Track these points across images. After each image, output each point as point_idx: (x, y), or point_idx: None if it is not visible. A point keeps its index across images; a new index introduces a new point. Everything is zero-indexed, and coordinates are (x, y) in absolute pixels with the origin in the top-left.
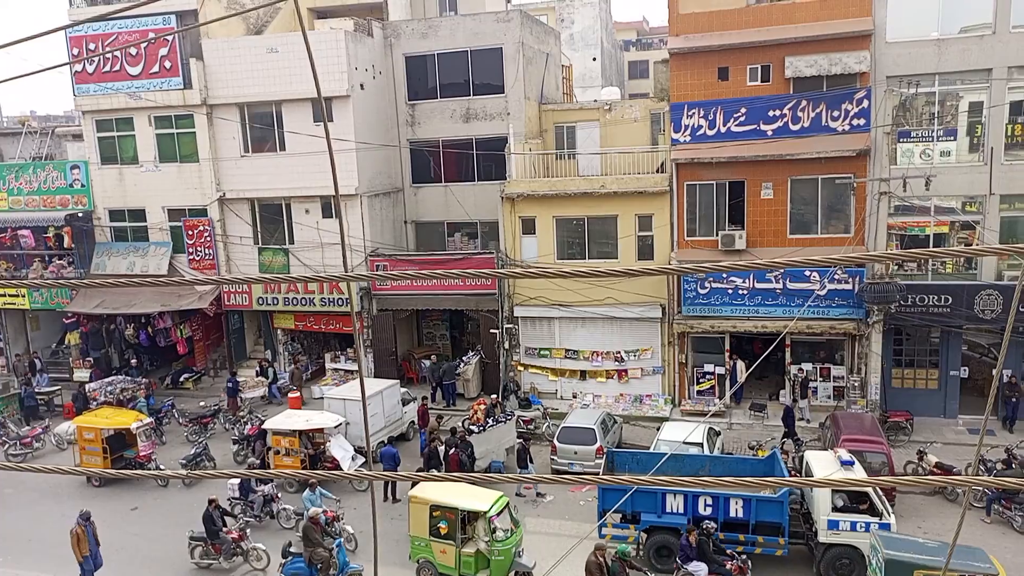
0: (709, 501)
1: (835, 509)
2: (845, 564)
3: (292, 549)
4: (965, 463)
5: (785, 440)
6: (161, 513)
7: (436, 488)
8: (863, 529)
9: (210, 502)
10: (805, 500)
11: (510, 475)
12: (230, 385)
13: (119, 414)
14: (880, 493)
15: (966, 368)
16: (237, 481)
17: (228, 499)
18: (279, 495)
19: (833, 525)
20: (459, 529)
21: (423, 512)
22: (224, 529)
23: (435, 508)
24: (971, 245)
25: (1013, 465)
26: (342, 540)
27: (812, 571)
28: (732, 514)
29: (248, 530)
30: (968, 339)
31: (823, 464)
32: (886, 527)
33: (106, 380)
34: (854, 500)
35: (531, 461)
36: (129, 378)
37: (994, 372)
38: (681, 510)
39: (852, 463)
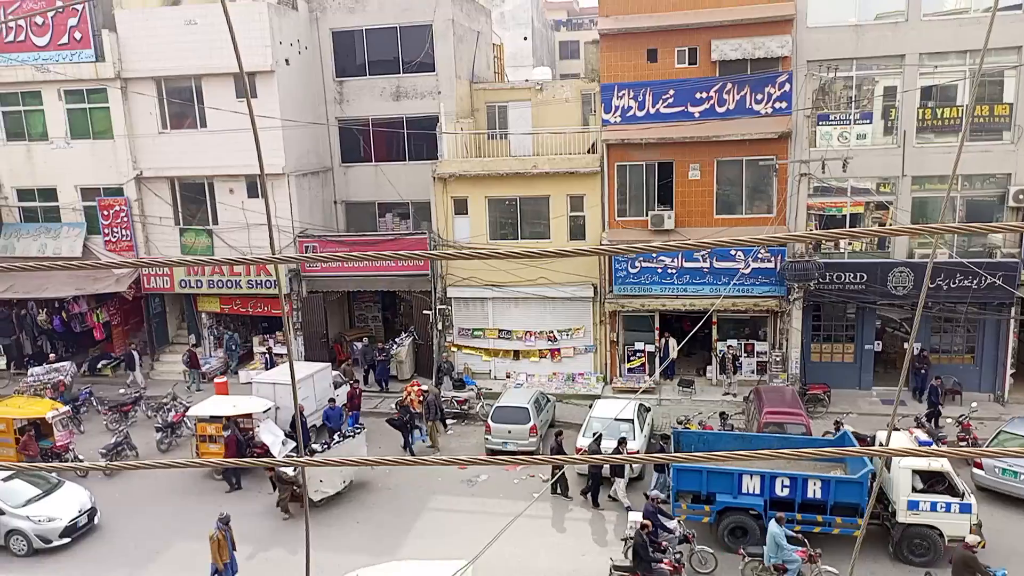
0: (787, 482)
1: (914, 490)
2: (922, 544)
3: None
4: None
5: (927, 420)
6: None
7: None
8: (943, 510)
9: (642, 527)
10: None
11: (504, 458)
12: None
13: (32, 403)
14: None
15: (879, 342)
16: (639, 516)
17: (629, 538)
18: (694, 533)
19: (913, 505)
20: None
21: None
22: (661, 560)
23: None
24: (885, 224)
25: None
26: None
27: (887, 550)
28: (810, 495)
29: (684, 561)
30: (881, 314)
31: (900, 445)
32: (967, 508)
33: (40, 370)
34: (927, 482)
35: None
36: (50, 367)
37: (906, 345)
38: (758, 491)
39: (930, 444)
